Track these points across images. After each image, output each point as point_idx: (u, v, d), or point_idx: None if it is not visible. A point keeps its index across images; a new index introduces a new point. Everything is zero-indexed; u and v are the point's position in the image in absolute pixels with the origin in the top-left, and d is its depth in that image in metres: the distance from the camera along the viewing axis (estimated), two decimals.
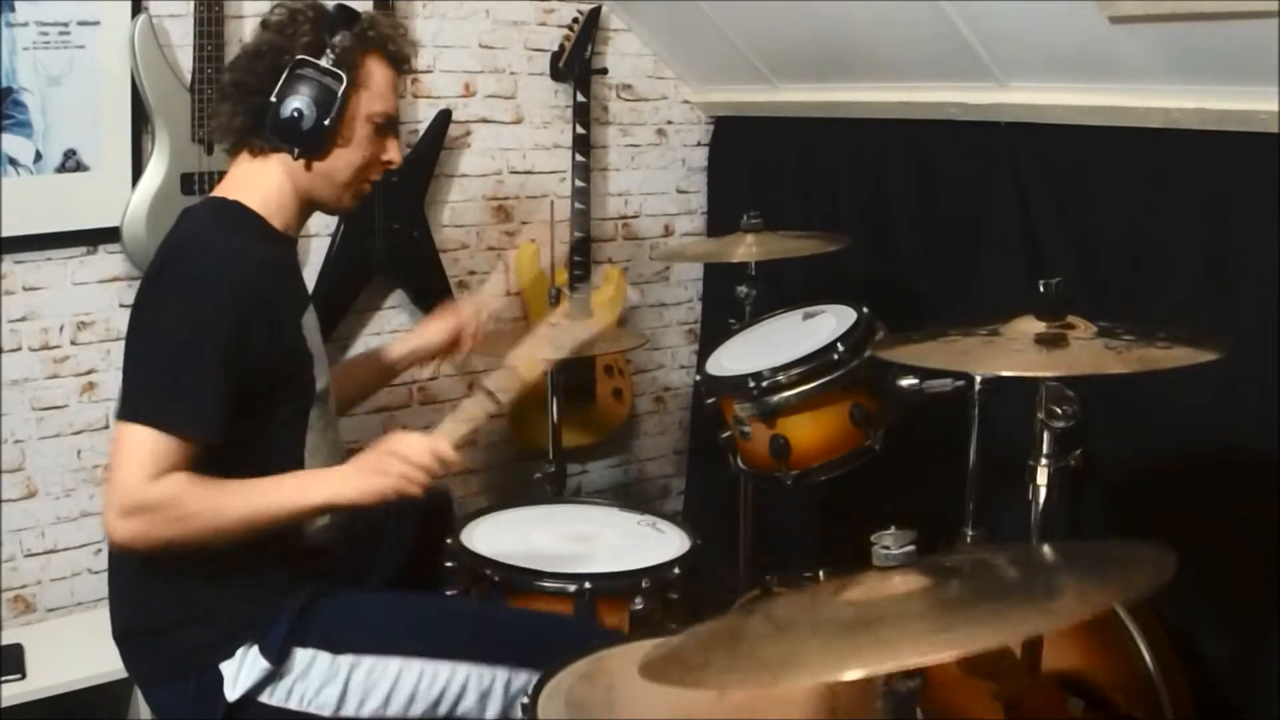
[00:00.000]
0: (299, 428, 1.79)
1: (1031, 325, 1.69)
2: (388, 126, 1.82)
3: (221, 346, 1.63)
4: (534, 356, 2.04)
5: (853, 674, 1.01)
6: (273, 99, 1.72)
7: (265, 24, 1.77)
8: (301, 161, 1.76)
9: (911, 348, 1.78)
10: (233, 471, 1.65)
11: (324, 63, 1.72)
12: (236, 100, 1.76)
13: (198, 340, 1.62)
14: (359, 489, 1.69)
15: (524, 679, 1.78)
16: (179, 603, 1.71)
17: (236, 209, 1.75)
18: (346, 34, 1.74)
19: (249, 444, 1.69)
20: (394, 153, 1.84)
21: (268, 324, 1.69)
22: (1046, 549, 1.44)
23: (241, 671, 1.70)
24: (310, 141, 1.74)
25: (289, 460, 1.77)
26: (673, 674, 1.15)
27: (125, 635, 1.80)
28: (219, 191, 1.80)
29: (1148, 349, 1.59)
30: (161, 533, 1.60)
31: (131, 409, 1.61)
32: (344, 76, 1.72)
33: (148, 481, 1.58)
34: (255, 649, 1.70)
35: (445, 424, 1.81)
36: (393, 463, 1.69)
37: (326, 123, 1.72)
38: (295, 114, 1.71)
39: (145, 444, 1.59)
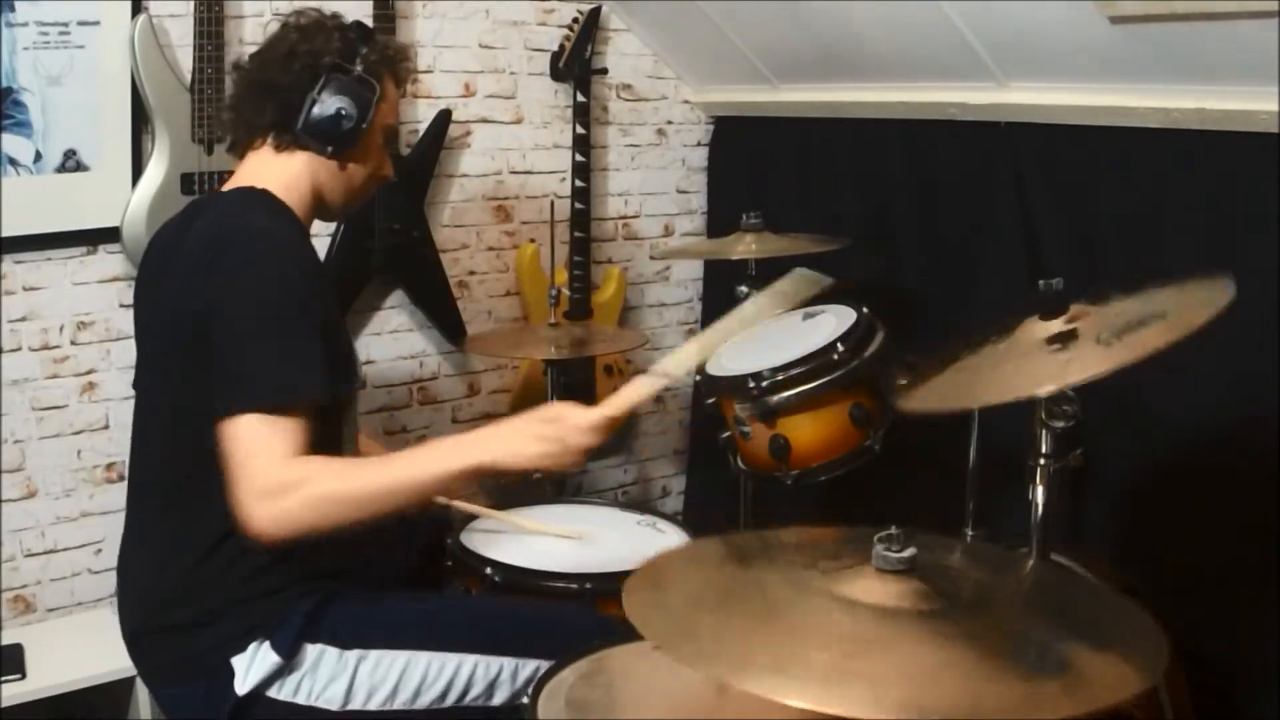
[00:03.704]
0: (344, 408, 1.82)
1: (1038, 329, 1.64)
2: (390, 140, 1.92)
3: (308, 309, 1.67)
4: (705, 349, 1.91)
5: (846, 710, 1.02)
6: (314, 96, 1.77)
7: (288, 27, 1.81)
8: (333, 161, 1.81)
9: (929, 387, 1.71)
10: None
11: (357, 70, 1.80)
12: (265, 98, 1.79)
13: (285, 309, 1.65)
14: (518, 453, 1.63)
15: (531, 668, 1.79)
16: (194, 604, 1.71)
17: (267, 197, 1.78)
18: (370, 48, 1.83)
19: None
20: (389, 168, 1.94)
21: (328, 294, 1.77)
22: (1044, 578, 1.44)
23: (252, 666, 1.70)
24: (346, 141, 1.80)
25: (331, 441, 1.77)
26: (667, 638, 1.16)
27: (137, 635, 1.80)
28: (242, 182, 1.81)
29: (1142, 333, 1.55)
30: (302, 515, 1.56)
31: (242, 399, 1.59)
32: (376, 87, 1.81)
33: (283, 460, 1.57)
34: (266, 644, 1.70)
35: (611, 402, 1.70)
36: (564, 437, 1.63)
37: (365, 125, 1.79)
38: (340, 112, 1.78)
39: (268, 426, 1.58)
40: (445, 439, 1.75)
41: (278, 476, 1.57)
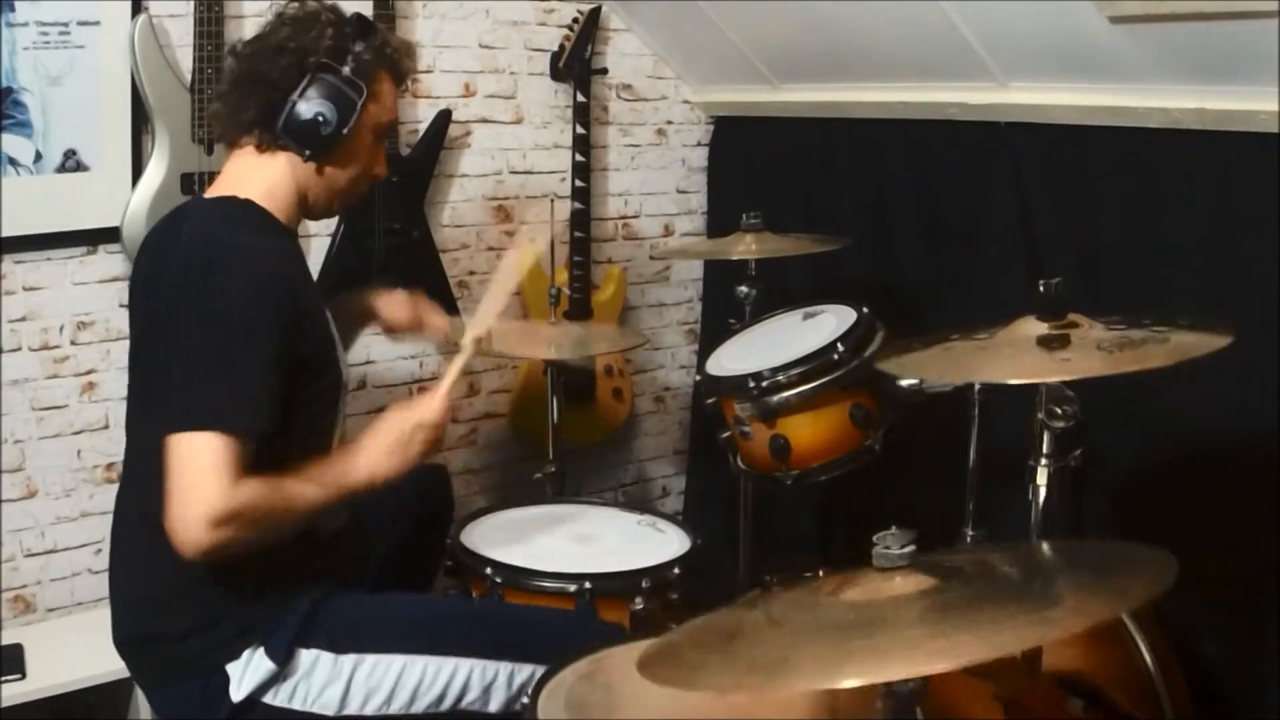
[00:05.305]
0: (332, 417, 1.83)
1: (1032, 327, 1.68)
2: (384, 137, 1.87)
3: (267, 343, 1.65)
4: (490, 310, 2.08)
5: (848, 682, 1.01)
6: (295, 98, 1.73)
7: (282, 18, 1.78)
8: (311, 164, 1.78)
9: (912, 356, 1.79)
10: (274, 462, 1.66)
11: (346, 71, 1.75)
12: (251, 92, 1.76)
13: (244, 339, 1.63)
14: (392, 467, 1.76)
15: (527, 672, 1.79)
16: (187, 609, 1.71)
17: (247, 206, 1.76)
18: (365, 46, 1.77)
19: (290, 436, 1.70)
20: (383, 165, 1.90)
21: (301, 315, 1.73)
22: (1047, 548, 1.44)
23: (247, 672, 1.70)
24: (325, 146, 1.76)
25: (321, 450, 1.78)
26: (668, 673, 1.15)
27: (130, 641, 1.80)
28: (221, 189, 1.79)
29: (1141, 349, 1.58)
30: (243, 536, 1.61)
31: (191, 416, 1.60)
32: (364, 89, 1.76)
33: (231, 488, 1.58)
34: (260, 650, 1.70)
35: (443, 382, 1.88)
36: (417, 434, 1.78)
37: (345, 131, 1.75)
38: (319, 118, 1.74)
39: (216, 451, 1.58)
40: (341, 458, 1.78)
41: (227, 506, 1.58)
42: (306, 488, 1.68)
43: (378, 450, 1.77)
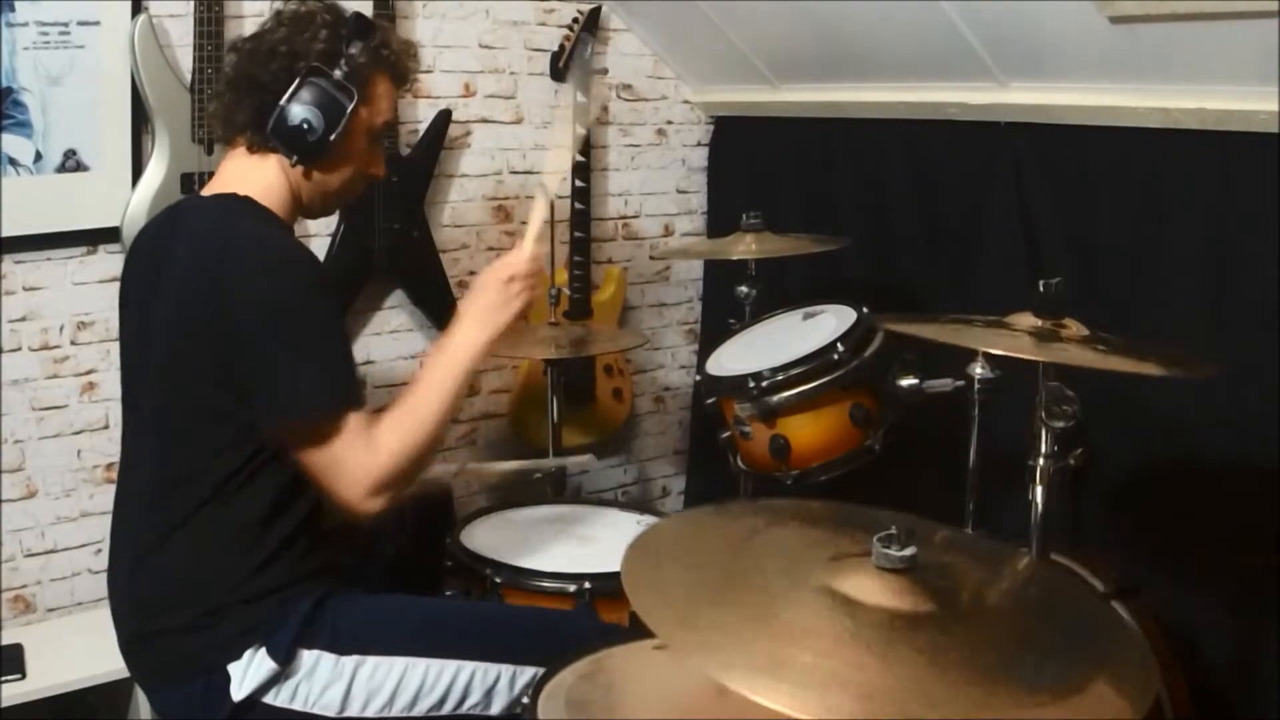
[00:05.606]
0: None
1: (1029, 320, 1.74)
2: (381, 137, 1.87)
3: (329, 312, 1.74)
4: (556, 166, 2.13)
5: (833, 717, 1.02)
6: (282, 103, 1.72)
7: (280, 18, 1.77)
8: (299, 168, 1.78)
9: (910, 325, 1.84)
10: (281, 456, 1.70)
11: (337, 75, 1.74)
12: (243, 94, 1.76)
13: (311, 316, 1.69)
14: (500, 323, 1.82)
15: (529, 674, 1.79)
16: (189, 608, 1.71)
17: (246, 202, 1.76)
18: (362, 47, 1.76)
19: None
20: (380, 166, 1.90)
21: (328, 284, 1.79)
22: (1048, 592, 1.44)
23: (248, 672, 1.69)
24: (312, 152, 1.76)
25: None
26: (669, 631, 1.15)
27: (131, 640, 1.79)
28: (217, 187, 1.79)
29: (1130, 357, 1.63)
30: (404, 481, 1.71)
31: (296, 409, 1.66)
32: (355, 93, 1.75)
33: (373, 453, 1.68)
34: (263, 650, 1.70)
35: (529, 230, 1.97)
36: (513, 286, 1.84)
37: (332, 138, 1.74)
38: (304, 124, 1.73)
39: (350, 427, 1.67)
40: (439, 354, 1.81)
41: (381, 472, 1.68)
42: (429, 393, 1.74)
43: (481, 312, 1.82)
